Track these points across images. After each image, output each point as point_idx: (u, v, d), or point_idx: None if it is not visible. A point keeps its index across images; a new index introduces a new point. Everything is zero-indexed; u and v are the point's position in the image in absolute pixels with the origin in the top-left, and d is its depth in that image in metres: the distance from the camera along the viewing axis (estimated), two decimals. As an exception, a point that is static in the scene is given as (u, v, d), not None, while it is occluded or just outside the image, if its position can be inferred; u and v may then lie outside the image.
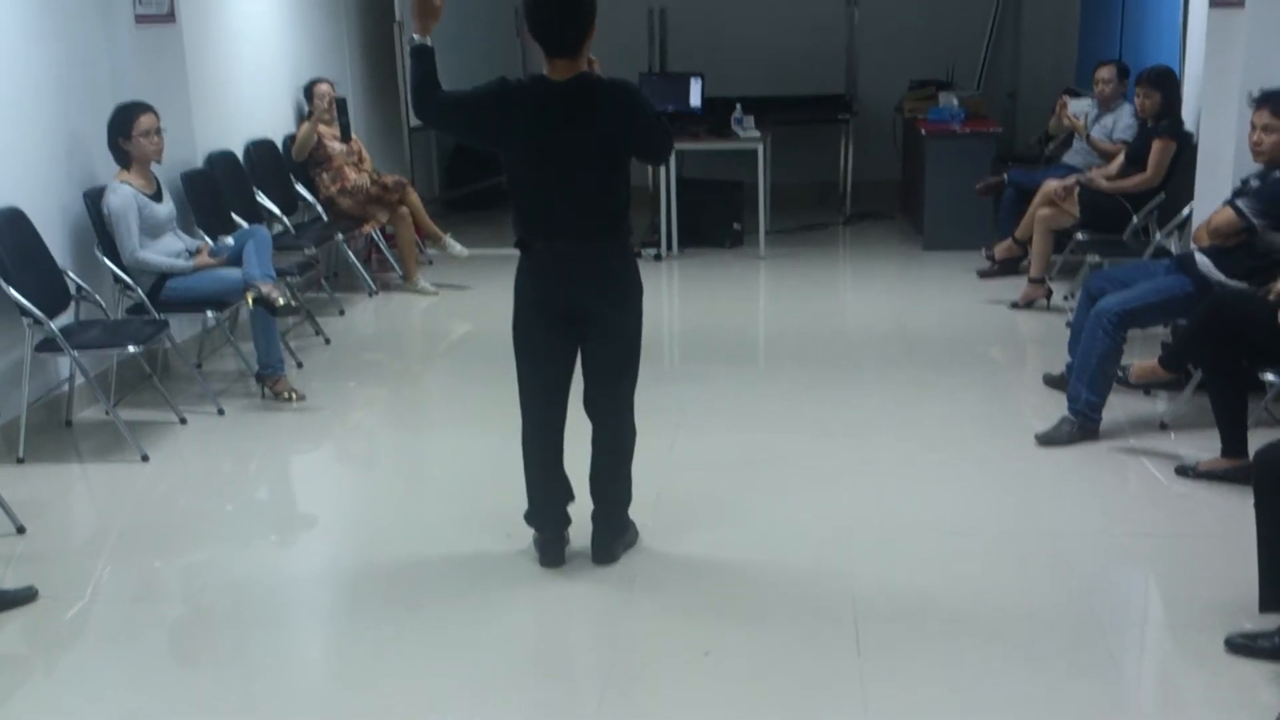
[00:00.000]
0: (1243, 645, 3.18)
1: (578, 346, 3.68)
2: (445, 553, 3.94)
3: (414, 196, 7.58)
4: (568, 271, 3.56)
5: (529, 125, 3.49)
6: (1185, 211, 5.76)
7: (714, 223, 8.46)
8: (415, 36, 3.59)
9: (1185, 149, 6.16)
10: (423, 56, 3.57)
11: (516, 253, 3.65)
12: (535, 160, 3.52)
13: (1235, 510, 3.86)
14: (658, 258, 8.09)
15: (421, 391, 6.07)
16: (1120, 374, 4.66)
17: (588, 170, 3.50)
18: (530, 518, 3.84)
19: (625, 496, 3.84)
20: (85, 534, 4.34)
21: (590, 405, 3.74)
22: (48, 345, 4.78)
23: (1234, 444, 4.27)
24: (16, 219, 4.85)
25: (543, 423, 3.74)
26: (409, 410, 5.78)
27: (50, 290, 4.92)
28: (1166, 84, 6.37)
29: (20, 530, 4.10)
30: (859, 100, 9.71)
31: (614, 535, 3.82)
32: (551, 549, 3.80)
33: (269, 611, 3.64)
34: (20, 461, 4.75)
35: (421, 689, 3.17)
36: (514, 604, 3.61)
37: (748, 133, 8.20)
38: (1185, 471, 4.34)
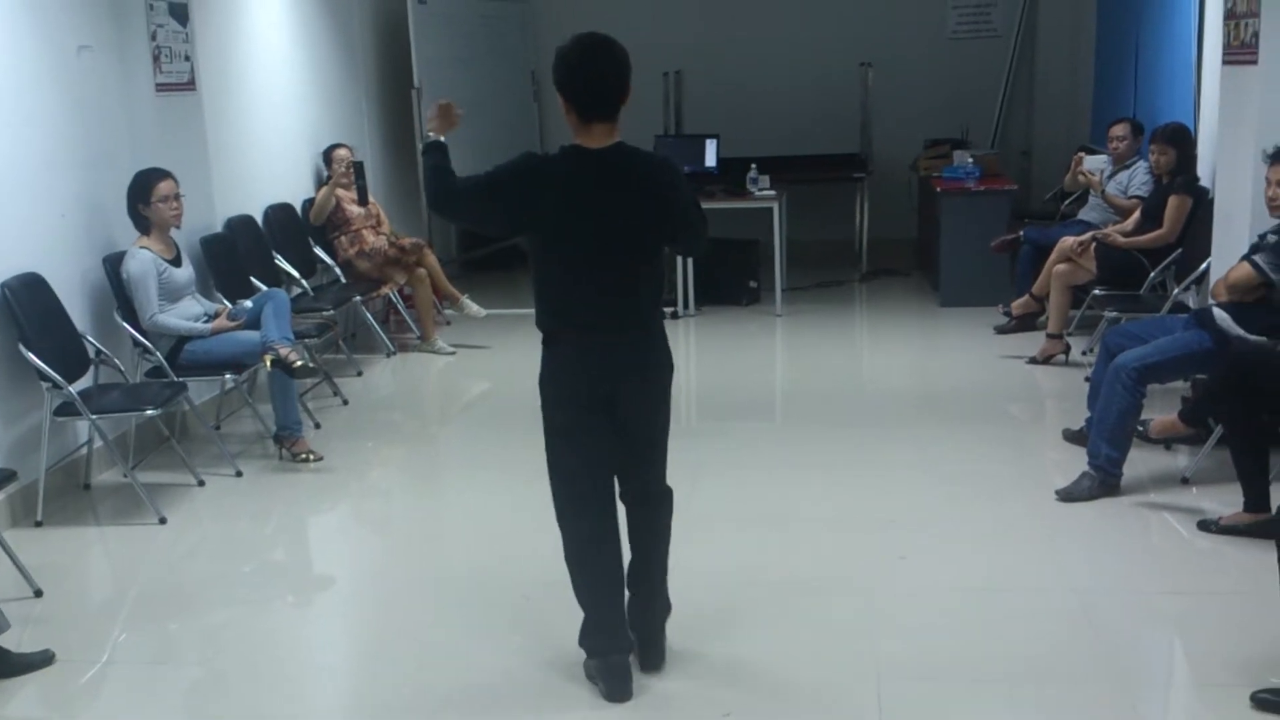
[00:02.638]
0: (1269, 701, 3.13)
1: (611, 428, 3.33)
2: (461, 617, 3.92)
3: (431, 258, 7.64)
4: (603, 364, 3.24)
5: (563, 199, 3.17)
6: (1203, 266, 5.75)
7: (730, 281, 8.49)
8: (430, 134, 3.35)
9: (1201, 204, 6.16)
10: (434, 151, 3.30)
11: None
12: (568, 239, 3.19)
13: (1259, 565, 3.80)
14: (674, 316, 8.10)
15: (439, 451, 6.07)
16: (1140, 429, 4.64)
17: (626, 245, 3.20)
18: (591, 641, 3.37)
19: (665, 572, 3.52)
20: (103, 597, 4.34)
21: (630, 486, 3.43)
22: (66, 409, 4.80)
23: (1256, 498, 4.22)
24: (37, 284, 4.90)
25: (599, 520, 3.32)
26: (426, 470, 5.78)
27: (70, 355, 4.96)
28: (1181, 141, 6.40)
29: (38, 593, 4.10)
30: (874, 159, 9.76)
31: (662, 623, 3.48)
32: (621, 676, 3.31)
33: (286, 674, 3.62)
34: (39, 524, 4.76)
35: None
36: (528, 658, 3.58)
37: (763, 192, 8.26)
38: (1208, 526, 4.30)
